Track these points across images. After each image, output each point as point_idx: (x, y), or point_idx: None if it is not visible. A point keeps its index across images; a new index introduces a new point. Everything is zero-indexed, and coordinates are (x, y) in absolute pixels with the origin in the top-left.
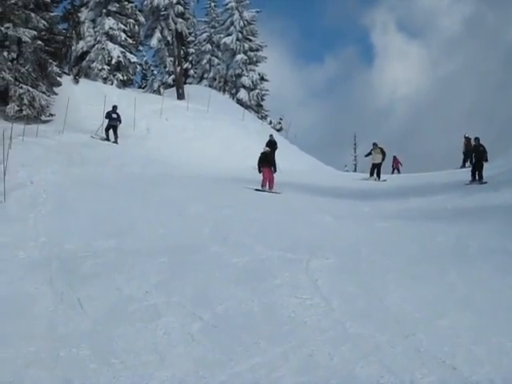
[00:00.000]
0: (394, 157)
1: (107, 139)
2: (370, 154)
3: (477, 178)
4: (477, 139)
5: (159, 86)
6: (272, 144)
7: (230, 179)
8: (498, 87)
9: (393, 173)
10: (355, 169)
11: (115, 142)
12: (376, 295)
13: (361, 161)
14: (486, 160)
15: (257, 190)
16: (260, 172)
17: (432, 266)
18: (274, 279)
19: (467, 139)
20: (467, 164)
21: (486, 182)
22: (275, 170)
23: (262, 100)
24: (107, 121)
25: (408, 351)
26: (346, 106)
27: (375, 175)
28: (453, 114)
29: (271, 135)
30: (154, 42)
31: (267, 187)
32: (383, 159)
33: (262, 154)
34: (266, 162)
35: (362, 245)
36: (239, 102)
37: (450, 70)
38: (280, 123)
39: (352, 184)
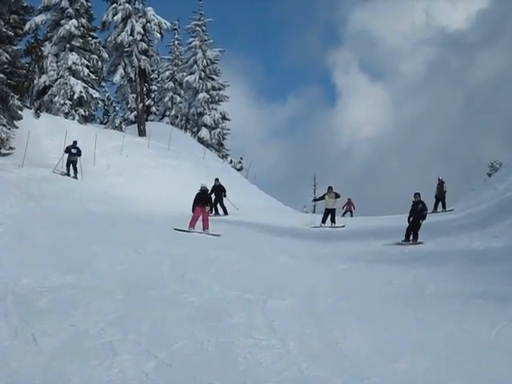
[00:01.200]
0: (349, 199)
1: (67, 174)
2: (322, 198)
3: (411, 238)
4: (417, 195)
5: (121, 123)
6: (220, 189)
7: (189, 217)
8: (460, 129)
9: (344, 215)
10: (314, 210)
11: (75, 177)
12: (332, 337)
13: (320, 202)
14: (424, 218)
15: (176, 229)
16: (193, 211)
17: (389, 308)
18: (231, 319)
19: (440, 182)
20: (439, 209)
21: (421, 243)
22: (211, 210)
23: (224, 139)
24: (67, 155)
25: None
26: (308, 146)
27: (329, 221)
28: (415, 156)
29: (217, 179)
30: (116, 78)
31: (193, 227)
32: (336, 204)
33: (200, 192)
34: (203, 201)
35: (320, 286)
36: (200, 140)
37: (413, 112)
38: (240, 163)
39: (310, 223)
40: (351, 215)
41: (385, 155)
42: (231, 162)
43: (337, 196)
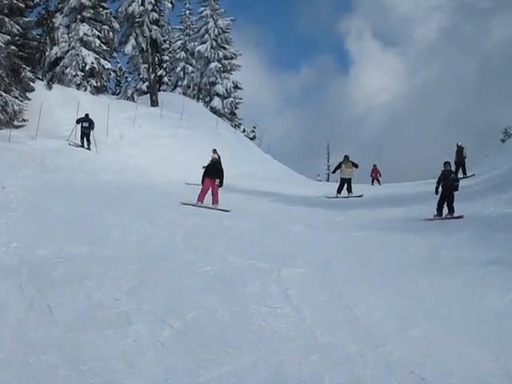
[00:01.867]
0: (374, 166)
1: (82, 146)
2: (338, 167)
3: (445, 212)
4: (447, 163)
5: (133, 93)
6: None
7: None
8: (474, 95)
9: (372, 183)
10: (328, 178)
11: (88, 148)
12: (347, 305)
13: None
14: (457, 189)
15: (184, 203)
16: (202, 183)
17: (403, 276)
18: (245, 288)
19: (460, 148)
20: (459, 174)
21: (461, 216)
22: (221, 184)
23: (236, 108)
24: (79, 126)
25: (378, 361)
26: (322, 114)
27: (345, 191)
28: (430, 122)
29: (214, 150)
30: (128, 48)
31: (202, 202)
32: (356, 166)
33: (210, 163)
34: (213, 172)
35: (334, 254)
36: (213, 110)
37: (427, 78)
38: (254, 132)
39: (325, 193)
40: (378, 183)
41: (399, 122)
42: (244, 131)
43: (354, 165)
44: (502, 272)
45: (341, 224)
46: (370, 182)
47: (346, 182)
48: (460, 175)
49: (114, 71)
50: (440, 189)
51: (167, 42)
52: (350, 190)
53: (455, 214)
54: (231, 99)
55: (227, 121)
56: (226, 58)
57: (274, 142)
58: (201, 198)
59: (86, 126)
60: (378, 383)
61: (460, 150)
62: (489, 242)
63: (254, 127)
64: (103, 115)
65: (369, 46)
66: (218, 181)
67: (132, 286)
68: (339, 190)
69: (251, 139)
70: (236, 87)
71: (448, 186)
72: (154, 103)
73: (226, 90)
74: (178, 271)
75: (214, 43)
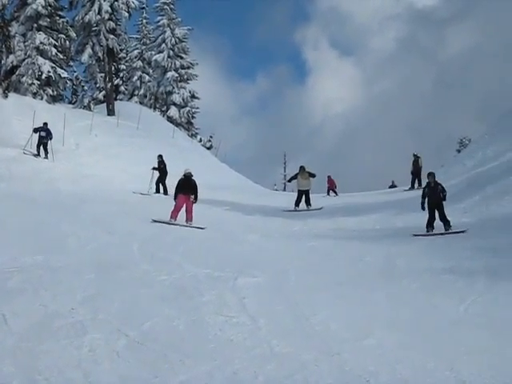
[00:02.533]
0: (329, 177)
1: (38, 155)
2: (294, 178)
3: (443, 225)
4: (431, 175)
5: (89, 102)
6: (163, 165)
7: (158, 196)
8: (431, 105)
9: (328, 194)
10: (284, 188)
11: (45, 157)
12: (303, 314)
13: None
14: (445, 199)
15: (155, 221)
16: (175, 199)
17: (359, 285)
18: (201, 297)
19: (416, 158)
20: (416, 185)
21: (463, 231)
22: (195, 200)
23: (193, 118)
24: (36, 136)
25: (333, 370)
26: (279, 124)
27: (304, 204)
28: (387, 132)
29: (160, 155)
30: (84, 57)
31: (175, 219)
32: (313, 176)
33: (183, 178)
34: (187, 188)
35: (291, 264)
36: (169, 119)
37: (384, 88)
38: (210, 141)
39: (281, 203)
40: (335, 193)
41: (356, 131)
42: (201, 140)
43: (311, 175)
44: (458, 281)
45: (297, 233)
46: (326, 192)
47: (303, 194)
48: (416, 185)
49: (71, 80)
50: (426, 203)
51: (124, 51)
52: (308, 202)
53: (454, 229)
54: (188, 109)
55: (184, 130)
56: (182, 67)
57: (231, 152)
58: (174, 215)
59: (44, 135)
60: None
61: (416, 160)
62: (445, 251)
63: (211, 137)
64: (59, 124)
65: (325, 56)
66: (192, 197)
67: (88, 295)
68: (297, 203)
69: (208, 149)
70: (193, 97)
71: (436, 198)
72: (111, 112)
73: (183, 100)
74: (133, 281)
75: (171, 52)
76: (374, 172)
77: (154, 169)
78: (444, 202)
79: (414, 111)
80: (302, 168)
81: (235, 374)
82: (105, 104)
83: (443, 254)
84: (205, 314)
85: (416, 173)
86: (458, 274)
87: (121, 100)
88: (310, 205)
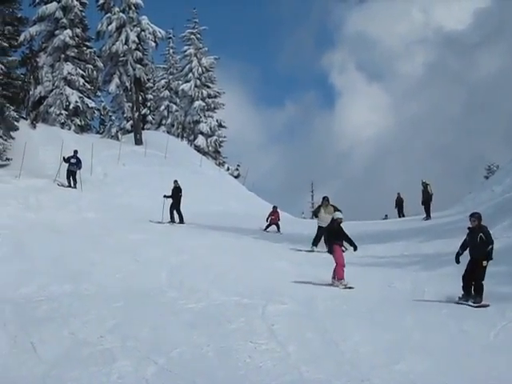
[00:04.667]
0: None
1: (69, 186)
2: (317, 211)
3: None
4: (475, 217)
5: (117, 132)
6: (177, 191)
7: (186, 224)
8: (460, 129)
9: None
10: (312, 216)
11: (74, 187)
12: (332, 340)
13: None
14: (491, 257)
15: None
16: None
17: (388, 311)
18: (230, 324)
19: (425, 186)
20: (425, 215)
21: (487, 305)
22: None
23: (220, 146)
24: (66, 165)
25: None
26: (307, 151)
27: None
28: (416, 157)
29: (175, 181)
30: (112, 87)
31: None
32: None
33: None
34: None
35: (319, 290)
36: (197, 148)
37: (413, 112)
38: (238, 170)
39: (309, 230)
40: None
41: (385, 158)
42: (228, 169)
43: (336, 210)
44: (487, 308)
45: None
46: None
47: (324, 233)
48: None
49: (98, 110)
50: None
51: (151, 80)
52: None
53: (483, 302)
54: (215, 137)
55: (211, 159)
56: (209, 96)
57: (259, 180)
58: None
59: (74, 162)
60: None
61: (425, 187)
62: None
63: (238, 165)
64: (87, 153)
65: (353, 81)
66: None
67: (116, 323)
68: (315, 242)
69: (235, 177)
70: (220, 125)
71: (477, 251)
72: (138, 142)
73: (210, 129)
74: (162, 308)
75: (198, 82)
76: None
77: (165, 197)
78: (487, 263)
79: (443, 136)
80: (325, 199)
81: None
82: (132, 134)
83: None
84: (234, 341)
85: (427, 201)
86: (489, 300)
87: (148, 129)
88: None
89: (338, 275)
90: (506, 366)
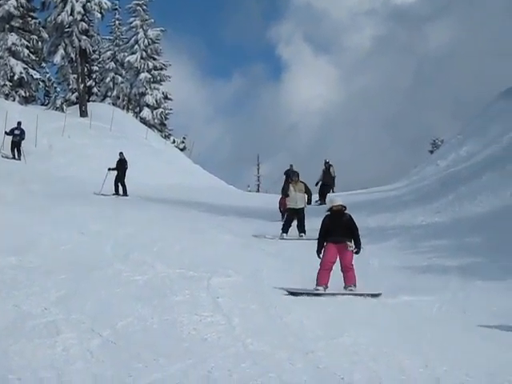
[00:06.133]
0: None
1: (14, 157)
2: (286, 189)
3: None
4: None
5: (62, 103)
6: (122, 163)
7: (131, 197)
8: (408, 103)
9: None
10: (258, 189)
11: (18, 158)
12: (277, 313)
13: (264, 181)
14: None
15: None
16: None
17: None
18: (175, 296)
19: (327, 166)
20: (314, 200)
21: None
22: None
23: (166, 119)
24: (10, 138)
25: (307, 368)
26: (254, 123)
27: (296, 229)
28: (365, 130)
29: (121, 153)
30: (57, 58)
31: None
32: (309, 201)
33: None
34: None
35: (265, 263)
36: (142, 120)
37: (362, 85)
38: (183, 142)
39: (255, 203)
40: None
41: (333, 129)
42: (174, 141)
43: (307, 190)
44: (432, 280)
45: (271, 233)
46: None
47: (295, 216)
48: (316, 200)
49: (43, 81)
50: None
51: (97, 52)
52: (301, 227)
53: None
54: (161, 110)
55: (157, 131)
56: (155, 68)
57: (205, 153)
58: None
59: (18, 133)
60: None
61: (328, 168)
62: (419, 250)
63: (184, 138)
64: (32, 125)
65: (301, 53)
66: None
67: (61, 295)
68: (285, 228)
69: (181, 150)
70: (166, 98)
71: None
72: (84, 114)
73: (156, 101)
74: (107, 281)
75: (144, 54)
76: (352, 169)
77: (110, 169)
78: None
79: (392, 108)
80: (294, 175)
81: (209, 373)
82: (77, 105)
83: (417, 253)
84: (178, 313)
85: (328, 184)
86: (432, 273)
87: (93, 101)
88: (304, 231)
89: (320, 279)
90: (448, 338)
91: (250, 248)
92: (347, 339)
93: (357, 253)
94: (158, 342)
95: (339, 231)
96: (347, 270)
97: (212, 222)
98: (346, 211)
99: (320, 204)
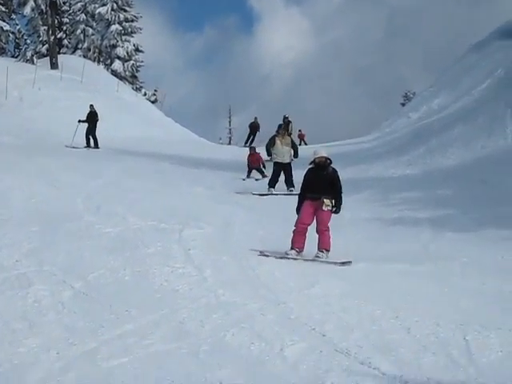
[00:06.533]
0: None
1: None
2: (271, 143)
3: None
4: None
5: (32, 56)
6: (93, 115)
7: (102, 149)
8: (381, 55)
9: (300, 145)
10: (230, 142)
11: None
12: (248, 265)
13: (235, 134)
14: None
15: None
16: None
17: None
18: (147, 248)
19: (286, 122)
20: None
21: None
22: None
23: (137, 71)
24: None
25: (279, 319)
26: (226, 76)
27: (284, 184)
28: (336, 81)
29: (91, 105)
30: (27, 10)
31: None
32: (295, 155)
33: None
34: None
35: (236, 216)
36: (114, 73)
37: (333, 38)
38: (155, 95)
39: (227, 156)
40: (306, 144)
41: (305, 81)
42: (145, 94)
43: (293, 144)
44: (403, 232)
45: (243, 185)
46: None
47: (282, 170)
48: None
49: (13, 33)
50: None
51: (67, 3)
52: (289, 181)
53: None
54: (132, 62)
55: (128, 84)
56: (126, 20)
57: (176, 105)
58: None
59: None
60: (279, 339)
61: (287, 125)
62: (391, 202)
63: (156, 90)
64: (2, 78)
65: (273, 4)
66: None
67: (32, 247)
68: (272, 183)
69: (152, 102)
70: (137, 50)
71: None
72: (54, 66)
73: (127, 53)
74: (78, 233)
75: (115, 5)
76: (324, 121)
77: (80, 121)
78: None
79: (364, 60)
80: (282, 127)
81: (181, 324)
82: (48, 58)
83: (388, 204)
84: (150, 265)
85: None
86: (404, 224)
87: (64, 54)
88: (293, 186)
89: (294, 242)
90: (418, 290)
91: (222, 201)
92: (318, 291)
93: (335, 212)
94: (129, 293)
95: (320, 187)
96: (321, 232)
97: (183, 175)
98: (330, 165)
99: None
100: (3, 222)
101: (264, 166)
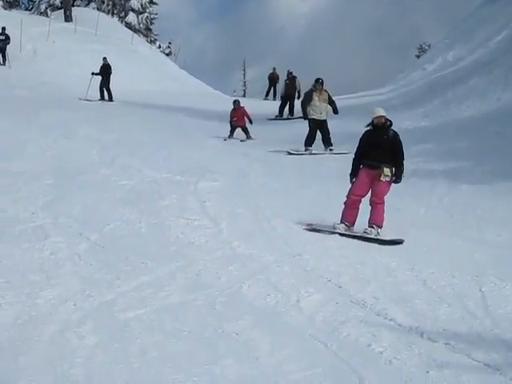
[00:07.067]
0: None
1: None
2: (309, 99)
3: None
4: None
5: (46, 8)
6: (106, 68)
7: (116, 102)
8: (396, 6)
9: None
10: (244, 94)
11: (3, 64)
12: (264, 216)
13: (250, 86)
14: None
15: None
16: None
17: (320, 188)
18: (162, 201)
19: (291, 77)
20: (285, 113)
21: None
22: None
23: (152, 24)
24: None
25: (295, 271)
26: (240, 28)
27: (322, 144)
28: (351, 34)
29: (104, 58)
30: None
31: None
32: (335, 111)
33: None
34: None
35: (251, 168)
36: (128, 25)
37: None
38: (169, 47)
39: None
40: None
41: (319, 33)
42: (160, 46)
43: (330, 100)
44: (420, 183)
45: (259, 138)
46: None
47: (318, 128)
48: (286, 114)
49: None
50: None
51: None
52: (327, 140)
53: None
54: (146, 14)
55: (142, 37)
56: None
57: (191, 58)
58: None
59: (3, 38)
60: (295, 291)
61: (291, 80)
62: (406, 154)
63: (170, 43)
64: (16, 30)
65: None
66: None
67: (48, 200)
68: (308, 142)
69: (167, 55)
70: (151, 2)
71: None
72: (68, 18)
73: (141, 5)
74: (93, 185)
75: None
76: (339, 74)
77: (93, 74)
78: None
79: (379, 13)
80: (318, 82)
81: (197, 275)
82: (62, 10)
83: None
84: (166, 217)
85: (291, 95)
86: (419, 177)
87: (78, 6)
88: (331, 144)
89: (344, 216)
90: (434, 242)
91: (237, 153)
92: (334, 243)
93: (395, 182)
94: (145, 245)
95: (379, 153)
96: (374, 205)
97: (198, 127)
98: (391, 126)
99: (277, 118)
100: (19, 174)
101: (251, 122)
